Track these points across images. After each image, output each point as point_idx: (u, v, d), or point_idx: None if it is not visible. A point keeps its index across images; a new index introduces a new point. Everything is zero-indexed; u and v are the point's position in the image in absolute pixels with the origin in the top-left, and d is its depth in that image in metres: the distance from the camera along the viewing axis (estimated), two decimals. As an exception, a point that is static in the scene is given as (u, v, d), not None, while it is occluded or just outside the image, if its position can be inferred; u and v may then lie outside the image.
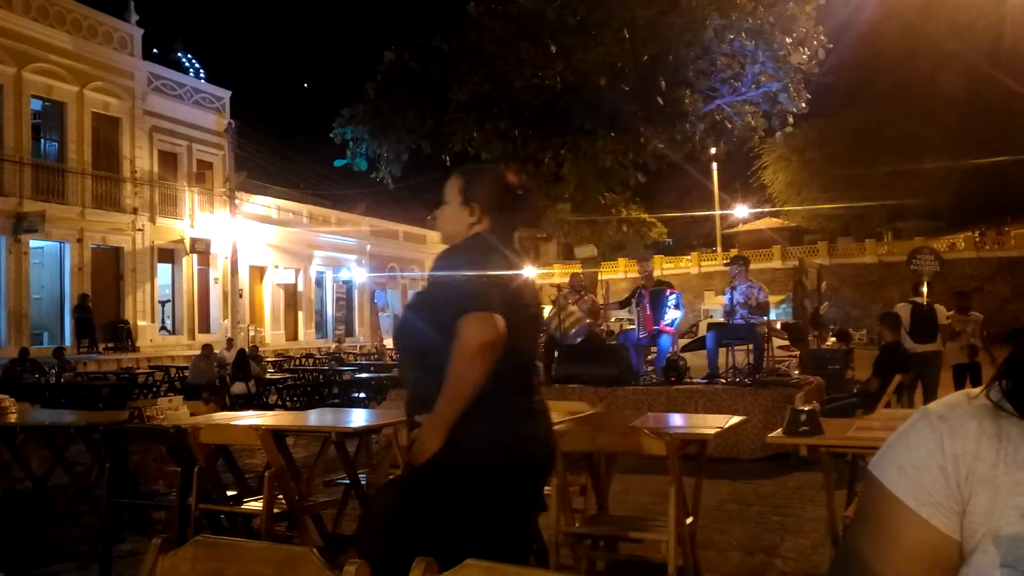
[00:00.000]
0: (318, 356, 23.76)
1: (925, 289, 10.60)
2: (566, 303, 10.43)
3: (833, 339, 16.65)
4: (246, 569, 1.53)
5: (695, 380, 9.32)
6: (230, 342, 19.89)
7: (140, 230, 23.80)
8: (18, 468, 6.05)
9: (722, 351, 9.48)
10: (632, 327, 10.21)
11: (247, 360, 15.05)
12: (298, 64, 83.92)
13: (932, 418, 0.99)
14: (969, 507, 0.94)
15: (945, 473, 0.95)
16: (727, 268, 9.99)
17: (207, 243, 25.87)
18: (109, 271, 23.31)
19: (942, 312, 10.07)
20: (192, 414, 5.19)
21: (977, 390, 1.00)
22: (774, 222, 51.37)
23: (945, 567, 0.95)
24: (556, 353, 9.97)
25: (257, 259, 28.36)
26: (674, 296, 9.86)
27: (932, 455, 0.96)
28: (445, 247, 2.51)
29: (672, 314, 9.74)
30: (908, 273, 15.44)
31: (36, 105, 21.78)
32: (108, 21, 23.48)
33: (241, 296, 26.62)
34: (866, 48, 35.24)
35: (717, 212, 48.19)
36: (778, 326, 15.26)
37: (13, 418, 5.70)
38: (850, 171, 45.69)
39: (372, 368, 16.94)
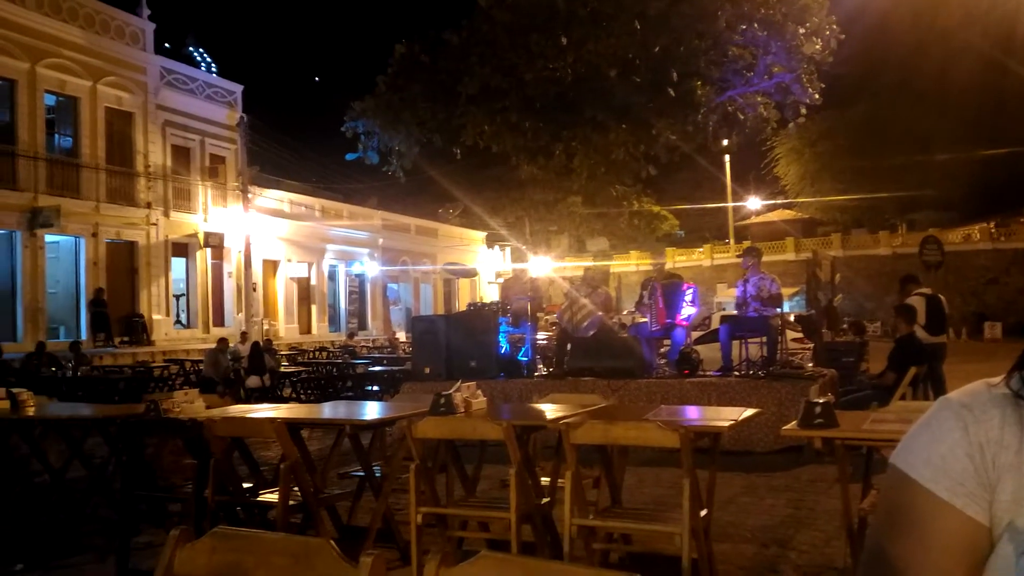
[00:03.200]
0: (331, 349, 23.85)
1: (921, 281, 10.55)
2: (578, 296, 10.43)
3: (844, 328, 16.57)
4: (263, 560, 1.55)
5: (708, 373, 9.30)
6: (244, 335, 19.98)
7: (154, 224, 23.92)
8: (36, 461, 6.10)
9: (735, 343, 9.44)
10: (645, 320, 10.18)
11: (262, 353, 15.12)
12: (309, 58, 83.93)
13: (955, 407, 0.98)
14: (996, 494, 0.93)
15: (973, 461, 0.94)
16: (740, 260, 9.95)
17: (220, 237, 25.97)
18: (124, 265, 23.43)
19: (945, 303, 10.04)
20: (208, 407, 5.22)
21: (997, 379, 0.99)
22: (787, 214, 51.11)
23: (979, 557, 0.93)
24: (569, 346, 9.97)
25: (270, 253, 28.46)
26: (691, 291, 9.80)
27: (959, 444, 0.95)
28: None
29: (688, 310, 9.69)
30: (920, 264, 15.38)
31: (50, 100, 21.88)
32: (120, 16, 23.56)
33: (255, 290, 26.72)
34: (878, 38, 34.97)
35: (729, 204, 48.00)
36: (792, 318, 15.20)
37: (31, 412, 5.75)
38: (863, 162, 45.38)
39: (385, 361, 16.98)
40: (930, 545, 0.95)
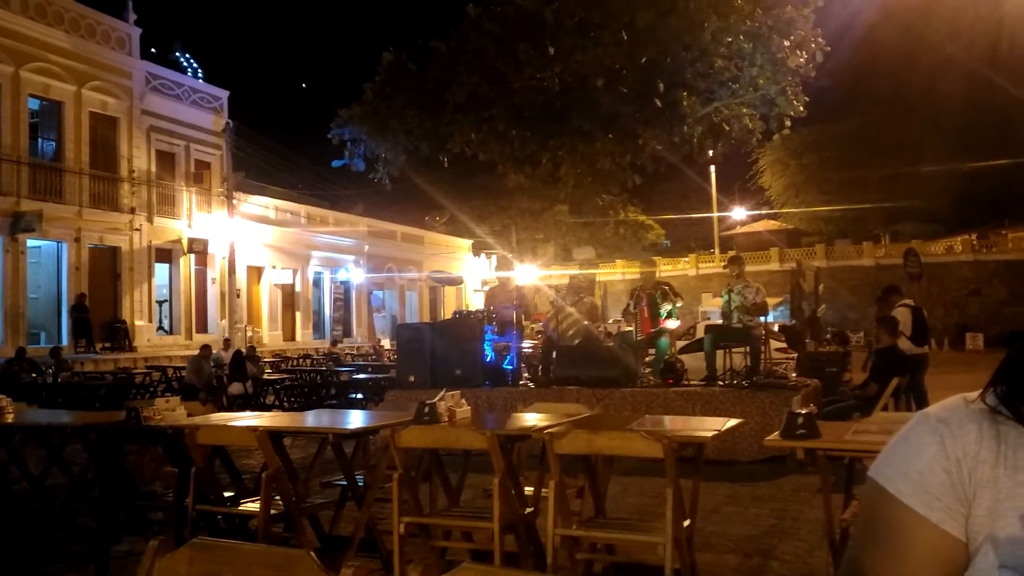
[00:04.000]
0: (316, 357, 23.75)
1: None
2: (564, 305, 10.44)
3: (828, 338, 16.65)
4: (242, 572, 1.53)
5: (693, 382, 9.32)
6: (227, 342, 19.87)
7: (138, 230, 23.77)
8: (15, 468, 6.03)
9: (720, 353, 9.47)
10: (630, 328, 10.21)
11: (243, 361, 15.03)
12: (296, 64, 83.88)
13: (932, 421, 0.99)
14: (973, 509, 0.94)
15: (950, 476, 0.95)
16: (726, 270, 9.99)
17: (205, 243, 25.84)
18: (106, 271, 23.27)
19: (926, 314, 10.15)
20: (189, 415, 5.18)
21: (974, 394, 1.00)
22: (772, 224, 51.42)
23: (955, 572, 0.93)
24: (554, 355, 9.97)
25: (255, 259, 28.34)
26: (659, 292, 9.81)
27: (936, 459, 0.96)
28: None
29: (665, 307, 9.69)
30: (904, 275, 15.50)
31: (34, 104, 21.74)
32: (106, 20, 23.45)
33: (239, 296, 26.59)
34: (864, 51, 35.30)
35: (715, 214, 48.25)
36: (775, 328, 15.27)
37: (10, 418, 5.68)
38: (848, 174, 45.76)
39: (370, 369, 16.91)
40: (907, 559, 0.95)
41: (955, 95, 40.73)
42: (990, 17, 28.06)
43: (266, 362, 19.45)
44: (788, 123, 22.63)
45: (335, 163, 26.16)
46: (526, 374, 10.71)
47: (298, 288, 30.74)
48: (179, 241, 25.32)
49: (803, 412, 3.92)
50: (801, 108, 22.18)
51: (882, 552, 0.97)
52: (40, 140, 22.41)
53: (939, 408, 1.01)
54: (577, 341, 9.96)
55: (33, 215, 20.20)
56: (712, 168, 43.24)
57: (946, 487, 0.95)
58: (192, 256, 25.73)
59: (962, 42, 34.46)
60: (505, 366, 10.26)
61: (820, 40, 21.70)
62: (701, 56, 21.57)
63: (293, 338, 29.95)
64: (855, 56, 32.53)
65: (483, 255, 42.23)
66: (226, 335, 22.79)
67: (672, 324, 9.94)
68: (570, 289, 10.98)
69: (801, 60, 21.36)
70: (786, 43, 21.22)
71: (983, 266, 40.44)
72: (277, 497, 4.40)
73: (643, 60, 21.37)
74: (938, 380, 9.81)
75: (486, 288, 36.48)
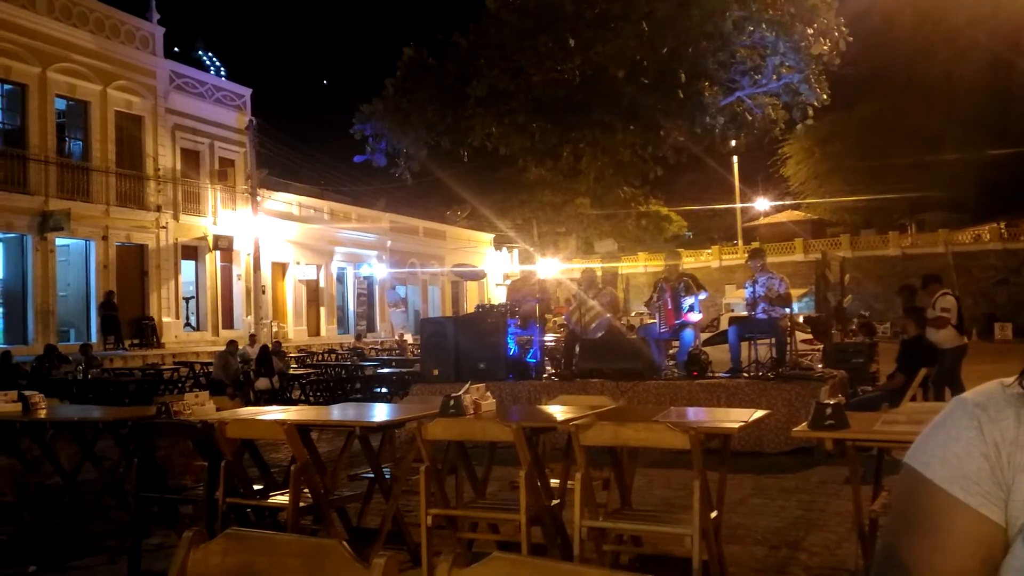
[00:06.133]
0: (340, 351, 23.88)
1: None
2: (586, 298, 10.41)
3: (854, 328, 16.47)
4: (276, 561, 1.55)
5: (717, 374, 9.27)
6: (253, 338, 20.03)
7: (164, 227, 24.01)
8: (48, 463, 6.13)
9: (744, 345, 9.42)
10: (654, 321, 10.17)
11: (270, 356, 15.16)
12: (318, 61, 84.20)
13: (969, 406, 0.98)
14: (1011, 494, 0.93)
15: (989, 460, 0.94)
16: (749, 264, 9.92)
17: (230, 240, 26.06)
18: (134, 268, 23.54)
19: None
20: (218, 409, 5.23)
21: (1010, 379, 0.99)
22: (796, 215, 50.96)
23: (994, 557, 0.92)
24: (577, 348, 9.96)
25: (279, 255, 28.54)
26: (682, 284, 9.72)
27: (974, 443, 0.95)
28: None
29: (688, 302, 9.61)
30: (935, 266, 15.30)
31: (60, 104, 22.00)
32: (130, 20, 23.67)
33: (264, 292, 26.79)
34: (886, 38, 34.87)
35: (738, 205, 47.90)
36: (801, 320, 15.16)
37: (42, 414, 5.78)
38: (872, 163, 45.24)
39: (394, 363, 16.99)
40: (945, 545, 0.94)
41: (978, 81, 40.14)
42: (1012, 1, 27.58)
43: (291, 357, 19.59)
44: (811, 112, 22.41)
45: (357, 158, 26.23)
46: (549, 367, 10.70)
47: (322, 284, 30.91)
48: (205, 238, 25.54)
49: (832, 403, 3.90)
50: (825, 97, 21.96)
51: (920, 538, 0.96)
52: (67, 140, 22.68)
53: (976, 393, 1.00)
54: (600, 334, 9.94)
55: (61, 214, 20.47)
56: (735, 159, 42.93)
57: (984, 472, 0.94)
58: (218, 253, 25.95)
59: (984, 27, 33.91)
60: (528, 359, 10.26)
61: (843, 28, 21.45)
62: (723, 46, 21.40)
63: (318, 333, 30.14)
64: (876, 42, 32.15)
65: (505, 249, 42.24)
66: (252, 331, 22.97)
67: (695, 316, 9.88)
68: (584, 284, 10.91)
69: (824, 48, 21.14)
70: (809, 31, 21.01)
71: (1012, 255, 39.85)
72: (306, 490, 4.44)
73: (664, 51, 21.26)
74: (967, 370, 9.69)
75: (508, 282, 36.52)
